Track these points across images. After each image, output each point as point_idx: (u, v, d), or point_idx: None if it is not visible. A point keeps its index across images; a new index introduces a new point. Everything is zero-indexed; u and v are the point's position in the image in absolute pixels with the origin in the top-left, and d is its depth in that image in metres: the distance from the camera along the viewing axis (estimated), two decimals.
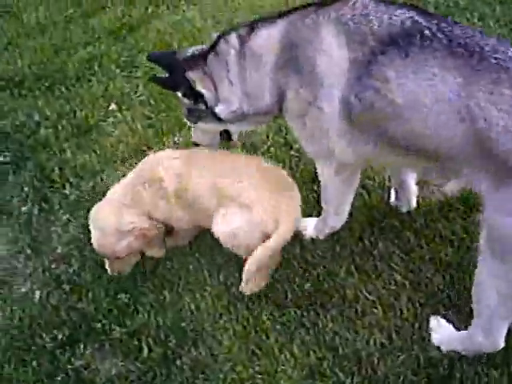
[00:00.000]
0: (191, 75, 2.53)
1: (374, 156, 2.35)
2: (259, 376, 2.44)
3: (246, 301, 2.67)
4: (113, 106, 3.71)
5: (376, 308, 2.58)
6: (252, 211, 2.53)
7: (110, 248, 2.71)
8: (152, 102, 3.72)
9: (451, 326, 2.48)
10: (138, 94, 3.81)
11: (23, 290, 2.95)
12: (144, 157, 3.31)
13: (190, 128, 3.36)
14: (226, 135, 2.77)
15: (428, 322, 2.51)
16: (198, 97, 2.55)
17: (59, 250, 3.05)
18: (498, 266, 2.00)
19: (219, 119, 2.56)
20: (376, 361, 2.43)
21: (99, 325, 2.69)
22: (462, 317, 2.49)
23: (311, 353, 2.48)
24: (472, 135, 1.90)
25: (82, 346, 2.65)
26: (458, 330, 2.45)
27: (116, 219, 2.70)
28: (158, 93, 3.73)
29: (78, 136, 3.61)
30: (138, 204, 2.72)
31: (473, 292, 2.19)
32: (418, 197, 2.93)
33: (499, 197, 1.94)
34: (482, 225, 2.08)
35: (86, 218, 3.08)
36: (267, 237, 2.51)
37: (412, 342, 2.47)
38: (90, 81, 3.99)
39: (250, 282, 2.61)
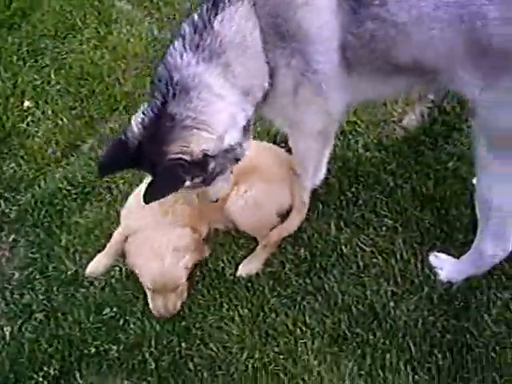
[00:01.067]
0: (174, 148, 1.91)
1: (371, 95, 2.25)
2: (281, 357, 2.33)
3: (243, 283, 2.51)
4: (27, 103, 3.28)
5: (376, 258, 2.52)
6: (274, 184, 2.52)
7: (174, 273, 2.42)
8: (71, 89, 3.33)
9: (451, 257, 2.47)
10: (52, 84, 3.38)
11: None
12: (80, 153, 3.04)
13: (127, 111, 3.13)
14: None
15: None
16: (203, 160, 1.97)
17: (17, 276, 2.70)
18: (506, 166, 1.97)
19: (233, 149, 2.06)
20: (392, 310, 2.38)
21: (91, 348, 2.44)
22: (459, 246, 2.50)
23: (325, 319, 2.40)
24: (470, 35, 1.81)
25: (78, 376, 2.39)
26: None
27: (169, 240, 2.43)
28: (76, 77, 3.37)
29: None
30: (179, 218, 2.52)
31: (480, 204, 2.15)
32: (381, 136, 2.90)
33: (492, 96, 1.88)
34: (477, 132, 2.01)
35: (36, 235, 2.81)
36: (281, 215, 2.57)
37: (420, 282, 2.44)
38: None
39: (254, 261, 2.54)
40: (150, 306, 2.47)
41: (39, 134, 3.18)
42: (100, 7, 3.74)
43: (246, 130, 2.06)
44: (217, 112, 1.96)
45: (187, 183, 2.00)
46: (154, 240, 2.45)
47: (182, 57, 1.92)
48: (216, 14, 1.93)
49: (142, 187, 2.44)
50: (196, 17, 1.96)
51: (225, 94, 1.95)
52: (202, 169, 2.00)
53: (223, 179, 2.20)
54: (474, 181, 2.68)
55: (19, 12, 3.85)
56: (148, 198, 2.00)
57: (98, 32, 3.59)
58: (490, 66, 1.83)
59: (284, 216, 2.59)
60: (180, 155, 1.92)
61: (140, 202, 2.43)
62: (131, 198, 2.61)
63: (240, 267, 2.56)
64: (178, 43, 1.96)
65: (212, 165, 2.01)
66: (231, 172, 2.26)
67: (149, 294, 2.48)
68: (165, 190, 2.00)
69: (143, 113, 1.97)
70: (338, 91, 2.08)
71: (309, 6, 1.91)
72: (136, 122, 1.98)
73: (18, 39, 3.68)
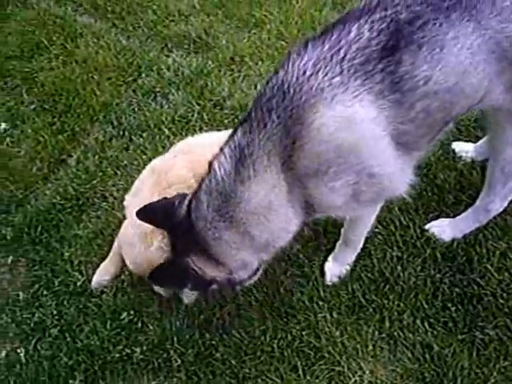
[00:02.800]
0: (195, 260, 2.09)
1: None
2: (303, 333, 2.38)
3: None
4: (3, 126, 3.26)
5: (377, 227, 2.60)
6: None
7: (144, 257, 2.40)
8: (47, 106, 3.32)
9: (446, 219, 2.60)
10: (25, 104, 3.37)
11: (2, 353, 2.52)
12: (67, 166, 3.03)
13: (105, 119, 3.16)
14: None
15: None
16: (209, 282, 2.15)
17: (23, 296, 2.64)
18: None
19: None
20: (401, 274, 2.47)
21: (113, 354, 2.41)
22: (451, 205, 2.64)
23: (339, 291, 2.47)
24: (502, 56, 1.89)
25: None
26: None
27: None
28: (50, 94, 3.36)
29: None
30: None
31: (503, 171, 2.29)
32: None
33: None
34: (502, 122, 2.14)
35: (36, 252, 2.77)
36: None
37: (422, 245, 2.55)
38: None
39: None
40: None
41: (21, 154, 3.16)
42: (63, 24, 3.75)
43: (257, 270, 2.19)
44: (234, 259, 2.07)
45: (186, 288, 2.20)
46: (139, 225, 2.42)
47: (207, 209, 1.99)
48: (242, 183, 1.92)
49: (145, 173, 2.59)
50: (220, 179, 1.96)
51: (242, 250, 2.04)
52: (204, 286, 2.18)
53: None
54: (453, 146, 2.87)
55: None
56: (151, 277, 2.19)
57: (65, 47, 3.61)
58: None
59: None
60: (197, 269, 2.09)
61: (140, 186, 2.53)
62: (135, 183, 2.62)
63: None
64: (205, 196, 2.00)
65: (213, 286, 2.19)
66: None
67: None
68: (168, 281, 2.19)
69: (188, 206, 2.07)
70: (401, 175, 2.03)
71: (348, 132, 1.83)
72: (185, 208, 2.09)
73: None
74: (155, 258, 2.38)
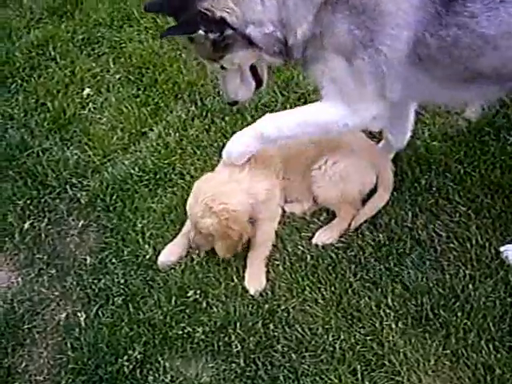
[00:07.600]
0: (205, 5, 2.11)
1: (433, 95, 2.28)
2: (368, 338, 2.35)
3: (325, 263, 2.55)
4: (87, 91, 3.30)
5: (452, 243, 2.58)
6: (362, 162, 2.65)
7: (197, 213, 2.49)
8: (132, 77, 3.37)
9: None
10: (111, 73, 3.42)
11: (62, 315, 2.55)
12: (148, 139, 3.05)
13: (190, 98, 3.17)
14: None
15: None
16: (221, 25, 2.14)
17: (90, 261, 2.67)
18: None
19: (251, 43, 2.21)
20: (472, 292, 2.43)
21: (174, 331, 2.42)
22: None
23: (408, 302, 2.44)
24: None
25: (160, 359, 2.36)
26: None
27: (220, 186, 2.53)
28: (136, 66, 3.40)
29: (59, 130, 3.16)
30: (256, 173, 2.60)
31: None
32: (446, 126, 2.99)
33: None
34: None
35: (108, 219, 2.81)
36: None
37: (495, 266, 2.50)
38: (47, 68, 3.48)
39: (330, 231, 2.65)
40: None
41: (103, 121, 3.21)
42: None
43: (270, 43, 2.18)
44: (251, 7, 2.10)
45: (200, 32, 2.14)
46: (215, 178, 2.60)
47: None
48: None
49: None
50: None
51: (267, 5, 2.08)
52: (217, 29, 2.15)
53: (244, 82, 2.43)
54: None
55: (71, 0, 3.86)
56: (166, 33, 2.36)
57: (156, 22, 3.64)
58: None
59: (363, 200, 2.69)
60: (206, 11, 2.11)
61: None
62: None
63: (316, 235, 2.65)
64: None
65: (228, 32, 2.16)
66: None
67: None
68: (179, 29, 2.22)
69: None
70: (397, 81, 2.11)
71: None
72: None
73: (71, 27, 3.71)
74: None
